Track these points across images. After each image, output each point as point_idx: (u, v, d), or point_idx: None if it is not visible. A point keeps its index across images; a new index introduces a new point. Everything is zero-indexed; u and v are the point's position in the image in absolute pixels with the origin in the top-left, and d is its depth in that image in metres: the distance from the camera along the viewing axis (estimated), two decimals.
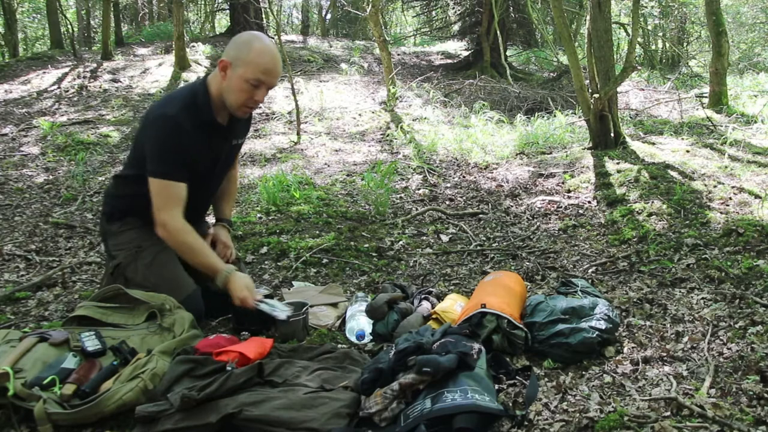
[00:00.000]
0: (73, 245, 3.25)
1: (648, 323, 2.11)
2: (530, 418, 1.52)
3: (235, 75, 1.95)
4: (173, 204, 1.99)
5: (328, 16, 21.27)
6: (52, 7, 12.13)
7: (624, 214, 3.33)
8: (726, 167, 3.91)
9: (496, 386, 1.67)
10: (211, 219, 2.55)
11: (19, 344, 1.67)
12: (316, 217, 3.55)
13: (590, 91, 4.68)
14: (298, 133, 6.25)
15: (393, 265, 2.93)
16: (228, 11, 14.53)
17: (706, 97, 7.11)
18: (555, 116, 6.41)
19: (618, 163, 4.18)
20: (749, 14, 15.10)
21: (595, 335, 1.86)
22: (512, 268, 2.86)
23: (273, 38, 8.55)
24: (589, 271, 2.75)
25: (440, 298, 2.34)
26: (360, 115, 7.29)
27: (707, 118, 5.91)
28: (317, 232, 3.29)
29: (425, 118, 6.99)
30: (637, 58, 10.60)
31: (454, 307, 2.13)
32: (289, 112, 7.19)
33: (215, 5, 17.29)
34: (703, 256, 2.60)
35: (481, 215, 3.80)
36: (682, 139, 5.10)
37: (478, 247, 3.19)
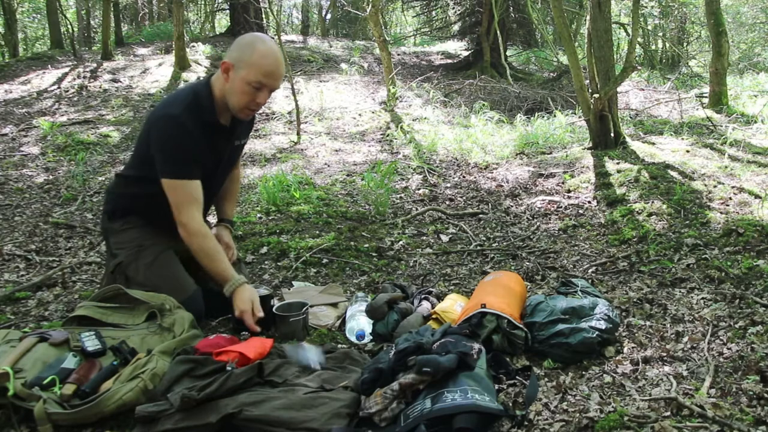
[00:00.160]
0: (73, 245, 3.25)
1: (648, 323, 2.11)
2: (530, 418, 1.52)
3: (237, 77, 1.95)
4: (189, 203, 1.99)
5: (328, 16, 21.28)
6: (52, 7, 12.13)
7: (624, 214, 3.33)
8: (726, 167, 3.91)
9: (496, 386, 1.67)
10: (212, 219, 2.55)
11: (19, 344, 1.67)
12: (316, 217, 3.55)
13: (590, 91, 4.68)
14: (298, 133, 6.25)
15: (393, 265, 2.93)
16: (228, 11, 14.53)
17: (706, 97, 7.11)
18: (555, 116, 6.41)
19: (618, 163, 4.18)
20: (749, 14, 15.10)
21: (595, 335, 1.86)
22: (512, 268, 2.86)
23: (273, 38, 8.55)
24: (589, 271, 2.75)
25: (440, 298, 2.34)
26: (360, 115, 7.29)
27: (707, 118, 5.91)
28: (317, 232, 3.29)
29: (425, 118, 6.99)
30: (637, 58, 10.61)
31: (454, 307, 2.13)
32: (289, 112, 7.19)
33: (215, 5, 17.30)
34: (703, 256, 2.60)
35: (481, 215, 3.80)
36: (682, 139, 5.10)
37: (478, 247, 3.19)
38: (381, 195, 3.83)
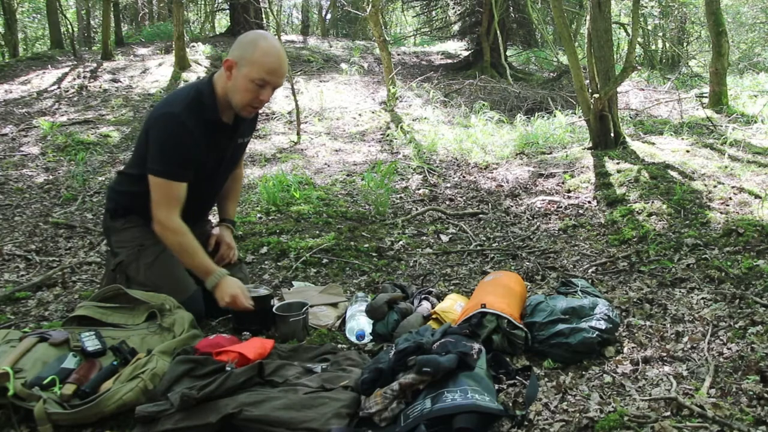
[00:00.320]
0: (73, 245, 3.25)
1: (648, 323, 2.11)
2: (530, 418, 1.52)
3: (240, 75, 1.95)
4: (171, 204, 1.99)
5: (328, 16, 21.28)
6: (52, 7, 12.13)
7: (624, 214, 3.33)
8: (726, 167, 3.92)
9: (496, 386, 1.67)
10: (213, 219, 2.55)
11: (19, 344, 1.67)
12: (316, 217, 3.55)
13: (590, 91, 4.68)
14: (298, 133, 6.25)
15: (393, 265, 2.93)
16: (228, 11, 14.53)
17: (706, 97, 7.10)
18: (555, 116, 6.41)
19: (618, 163, 4.18)
20: (749, 14, 15.10)
21: (595, 335, 1.86)
22: (512, 268, 2.86)
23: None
24: (589, 271, 2.75)
25: (440, 298, 2.34)
26: (360, 115, 7.29)
27: (707, 118, 5.91)
28: (317, 232, 3.29)
29: (425, 118, 6.99)
30: (637, 58, 10.61)
31: (454, 307, 2.13)
32: (289, 112, 7.19)
33: (215, 5, 17.29)
34: (703, 256, 2.60)
35: (481, 215, 3.80)
36: (682, 139, 5.10)
37: (478, 247, 3.19)
38: (381, 195, 3.83)
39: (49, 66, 9.66)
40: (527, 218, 3.70)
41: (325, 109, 7.48)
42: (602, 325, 1.90)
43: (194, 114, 1.98)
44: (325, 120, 7.03)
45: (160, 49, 11.39)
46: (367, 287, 2.64)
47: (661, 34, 14.74)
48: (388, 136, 6.22)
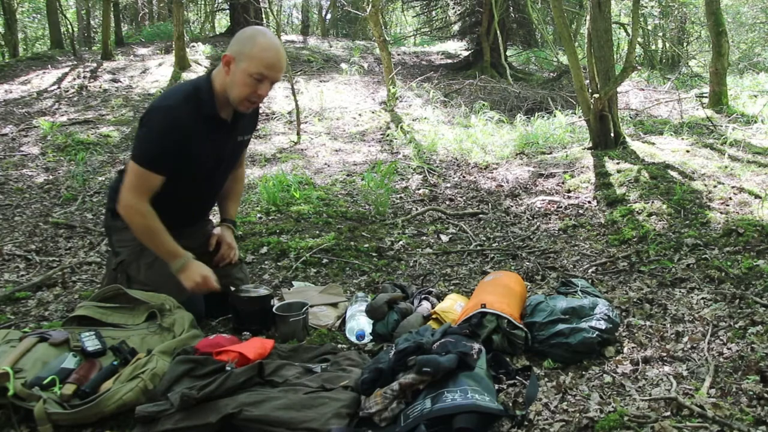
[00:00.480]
0: (73, 245, 3.25)
1: (648, 323, 2.11)
2: (530, 418, 1.52)
3: (238, 69, 1.95)
4: (143, 192, 1.99)
5: (328, 16, 21.27)
6: (52, 7, 12.13)
7: (624, 214, 3.33)
8: (726, 167, 3.91)
9: (496, 386, 1.67)
10: (214, 219, 2.54)
11: (19, 344, 1.67)
12: (316, 217, 3.55)
13: (590, 91, 4.68)
14: (298, 133, 6.25)
15: (393, 265, 2.93)
16: (228, 11, 14.53)
17: (706, 97, 7.10)
18: (555, 116, 6.41)
19: (618, 163, 4.18)
20: (749, 14, 15.10)
21: (595, 335, 1.86)
22: (512, 268, 2.86)
23: None
24: (589, 271, 2.75)
25: (440, 298, 2.34)
26: (360, 115, 7.29)
27: (707, 118, 5.91)
28: (317, 232, 3.29)
29: (425, 118, 6.99)
30: (637, 58, 10.61)
31: (454, 307, 2.13)
32: (289, 112, 7.19)
33: (215, 5, 17.29)
34: (703, 256, 2.60)
35: (481, 215, 3.80)
36: (682, 139, 5.10)
37: (478, 247, 3.19)
38: (381, 195, 3.83)
39: (49, 66, 9.66)
40: (527, 218, 3.70)
41: (325, 109, 7.48)
42: (602, 325, 1.90)
43: (191, 109, 1.98)
44: (325, 120, 7.03)
45: (160, 49, 11.40)
46: (367, 287, 2.64)
47: (661, 34, 14.74)
48: (388, 136, 6.22)
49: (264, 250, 3.01)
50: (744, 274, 2.37)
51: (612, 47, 4.83)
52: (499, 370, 1.76)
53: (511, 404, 1.62)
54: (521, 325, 1.93)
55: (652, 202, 3.36)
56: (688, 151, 4.50)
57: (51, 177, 4.76)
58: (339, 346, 2.03)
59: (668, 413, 1.50)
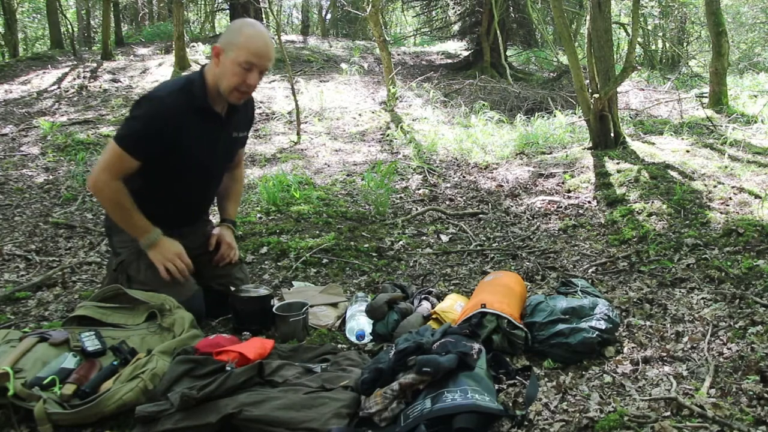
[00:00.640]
0: (73, 245, 3.25)
1: (648, 323, 2.11)
2: (530, 418, 1.52)
3: (227, 59, 1.98)
4: (116, 171, 1.99)
5: (328, 16, 21.26)
6: (52, 7, 12.13)
7: (624, 214, 3.33)
8: (726, 167, 3.91)
9: (496, 386, 1.67)
10: (214, 219, 2.54)
11: (19, 344, 1.67)
12: (316, 217, 3.55)
13: (590, 91, 4.68)
14: (298, 133, 6.25)
15: (393, 265, 2.93)
16: (228, 11, 14.52)
17: (706, 97, 7.10)
18: (555, 116, 6.41)
19: (618, 163, 4.18)
20: (749, 14, 15.09)
21: (595, 335, 1.86)
22: (512, 268, 2.86)
23: (273, 37, 8.54)
24: (589, 271, 2.75)
25: (440, 298, 2.34)
26: (360, 115, 7.29)
27: (707, 118, 5.91)
28: (317, 232, 3.29)
29: (425, 118, 6.99)
30: (637, 58, 10.61)
31: (454, 307, 2.13)
32: (289, 112, 7.18)
33: (215, 5, 17.30)
34: (703, 256, 2.60)
35: (481, 215, 3.80)
36: (682, 139, 5.10)
37: (478, 247, 3.19)
38: (381, 195, 3.83)
39: (49, 66, 9.66)
40: (527, 218, 3.70)
41: (325, 109, 7.48)
42: (602, 325, 1.90)
43: (182, 101, 2.01)
44: (325, 120, 7.03)
45: (160, 49, 11.39)
46: (367, 287, 2.64)
47: (661, 34, 14.73)
48: (388, 136, 6.22)
49: (264, 250, 3.01)
50: (744, 274, 2.37)
51: (612, 47, 4.83)
52: (499, 370, 1.76)
53: (511, 404, 1.62)
54: (521, 325, 1.93)
55: (652, 202, 3.36)
56: (688, 151, 4.50)
57: (51, 177, 4.76)
58: (339, 346, 2.03)
59: (668, 413, 1.50)
